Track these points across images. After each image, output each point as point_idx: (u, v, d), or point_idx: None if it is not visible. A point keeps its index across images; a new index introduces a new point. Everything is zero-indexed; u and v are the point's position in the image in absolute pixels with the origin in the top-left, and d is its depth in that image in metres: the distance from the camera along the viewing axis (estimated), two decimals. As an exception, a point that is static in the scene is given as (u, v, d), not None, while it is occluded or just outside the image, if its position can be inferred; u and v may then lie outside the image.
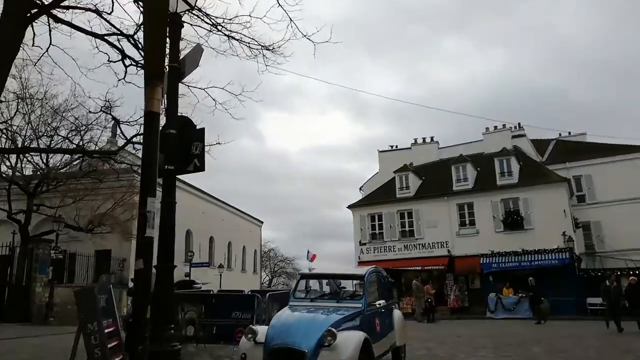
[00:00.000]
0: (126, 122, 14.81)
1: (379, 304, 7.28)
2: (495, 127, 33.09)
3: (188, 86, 11.22)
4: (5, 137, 19.92)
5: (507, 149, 30.48)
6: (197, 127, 5.54)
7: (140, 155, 10.12)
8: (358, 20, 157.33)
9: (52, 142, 20.46)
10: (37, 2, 8.69)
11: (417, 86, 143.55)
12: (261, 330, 6.11)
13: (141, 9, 8.23)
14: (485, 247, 27.33)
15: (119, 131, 15.46)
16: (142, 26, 8.50)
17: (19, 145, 20.06)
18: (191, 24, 10.23)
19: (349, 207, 33.28)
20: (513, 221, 27.71)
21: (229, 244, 40.71)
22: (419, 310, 23.16)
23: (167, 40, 5.07)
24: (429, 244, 29.70)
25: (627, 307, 16.21)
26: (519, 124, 33.65)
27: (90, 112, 17.33)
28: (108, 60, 10.81)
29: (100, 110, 14.96)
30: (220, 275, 33.37)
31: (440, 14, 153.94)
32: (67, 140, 19.62)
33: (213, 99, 11.22)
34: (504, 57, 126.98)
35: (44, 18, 9.46)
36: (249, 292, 10.52)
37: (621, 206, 29.14)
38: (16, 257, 20.57)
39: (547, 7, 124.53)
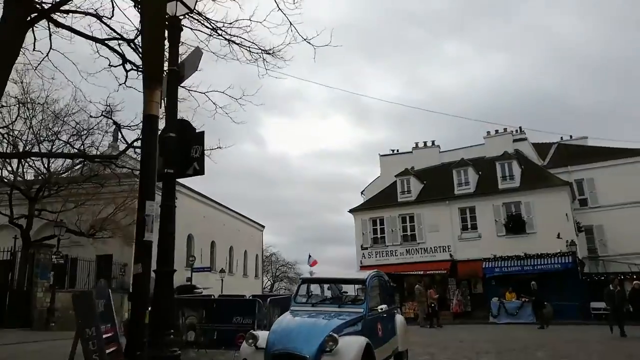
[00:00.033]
0: (127, 126, 14.83)
1: (381, 309, 7.21)
2: (497, 131, 33.07)
3: (189, 90, 11.23)
4: (6, 141, 19.93)
5: (509, 152, 30.44)
6: (197, 131, 5.51)
7: (141, 159, 10.07)
8: (358, 24, 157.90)
9: (54, 146, 20.45)
10: (37, 6, 8.69)
11: (417, 90, 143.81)
12: (262, 335, 6.04)
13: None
14: (488, 251, 27.22)
15: (120, 136, 15.48)
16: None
17: (20, 150, 20.07)
18: (191, 29, 10.25)
19: (351, 211, 33.22)
20: (515, 225, 27.62)
21: (231, 248, 40.60)
22: (421, 315, 23.03)
23: (167, 43, 5.04)
24: (430, 248, 29.61)
25: (631, 312, 16.10)
26: (520, 127, 33.63)
27: (91, 116, 17.37)
28: (109, 65, 10.81)
29: (101, 114, 14.95)
30: (222, 280, 33.27)
31: (440, 18, 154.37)
32: (68, 145, 19.61)
33: (213, 103, 11.22)
34: (503, 61, 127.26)
35: (44, 22, 9.47)
36: (250, 297, 10.47)
37: (623, 210, 29.04)
38: (17, 262, 20.54)
39: (547, 10, 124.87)
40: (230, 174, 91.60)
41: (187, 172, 5.16)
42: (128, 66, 10.72)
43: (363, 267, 29.42)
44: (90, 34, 9.98)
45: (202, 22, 10.09)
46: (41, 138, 20.33)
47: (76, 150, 19.15)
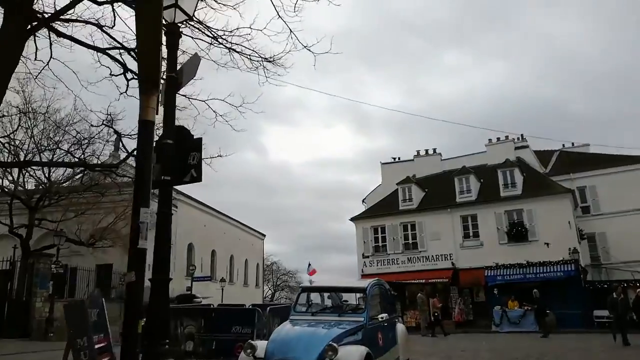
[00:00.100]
0: (128, 135, 14.85)
1: (382, 318, 7.14)
2: (498, 139, 33.01)
3: (189, 98, 11.23)
4: (7, 151, 19.97)
5: (511, 160, 30.37)
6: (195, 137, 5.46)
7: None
8: (357, 32, 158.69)
9: (54, 156, 20.50)
10: (38, 15, 8.70)
11: (418, 99, 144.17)
12: (260, 345, 5.98)
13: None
14: (490, 259, 27.05)
15: (121, 145, 15.49)
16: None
17: (21, 159, 20.08)
18: (192, 37, 10.27)
19: (352, 219, 33.10)
20: (517, 233, 27.48)
21: (231, 257, 40.47)
22: (423, 324, 22.85)
23: (164, 48, 5.01)
24: (432, 256, 29.46)
25: (634, 320, 15.96)
26: (521, 135, 33.57)
27: (92, 125, 17.42)
28: (110, 74, 10.79)
29: (102, 123, 14.99)
30: (222, 289, 33.11)
31: (440, 28, 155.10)
32: (69, 154, 19.65)
33: (214, 111, 11.20)
34: (503, 69, 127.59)
35: (45, 31, 9.48)
36: (250, 306, 10.39)
37: (626, 217, 28.88)
38: (17, 271, 20.46)
39: (546, 18, 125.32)
40: (231, 183, 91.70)
41: (185, 179, 5.10)
42: (129, 75, 10.69)
43: (364, 276, 29.23)
44: (91, 43, 9.97)
45: (203, 30, 10.11)
46: (42, 147, 20.41)
47: (77, 160, 19.16)
